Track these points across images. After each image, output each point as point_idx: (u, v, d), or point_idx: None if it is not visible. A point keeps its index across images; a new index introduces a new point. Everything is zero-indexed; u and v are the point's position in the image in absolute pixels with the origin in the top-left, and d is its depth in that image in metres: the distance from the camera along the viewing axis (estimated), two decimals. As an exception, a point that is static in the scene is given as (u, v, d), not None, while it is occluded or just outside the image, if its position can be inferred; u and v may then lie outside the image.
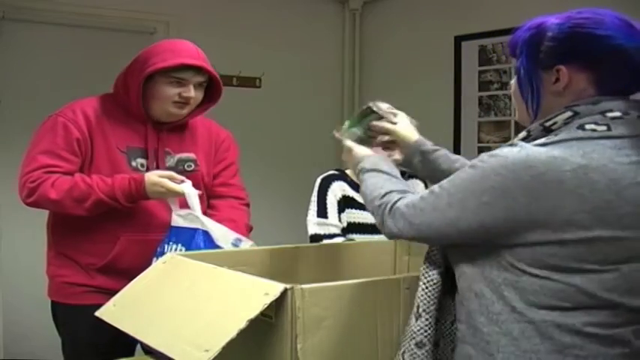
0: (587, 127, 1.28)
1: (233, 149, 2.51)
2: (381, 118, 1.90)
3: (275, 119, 4.66)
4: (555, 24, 1.36)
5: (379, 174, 1.56)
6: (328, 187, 2.60)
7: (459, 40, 4.38)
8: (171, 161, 2.31)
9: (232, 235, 2.13)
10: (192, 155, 2.35)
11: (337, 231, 2.56)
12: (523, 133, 1.36)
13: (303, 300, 1.34)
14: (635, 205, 1.24)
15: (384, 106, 1.97)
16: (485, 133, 4.24)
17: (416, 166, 1.87)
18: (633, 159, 1.26)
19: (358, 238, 2.57)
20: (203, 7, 4.37)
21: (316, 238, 2.56)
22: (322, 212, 2.58)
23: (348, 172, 2.65)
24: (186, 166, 2.33)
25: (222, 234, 2.11)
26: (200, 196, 2.15)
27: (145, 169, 2.24)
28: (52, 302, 2.32)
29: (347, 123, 1.93)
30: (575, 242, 1.24)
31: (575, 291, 1.26)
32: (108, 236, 2.20)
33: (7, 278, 3.82)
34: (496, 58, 4.18)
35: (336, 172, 2.66)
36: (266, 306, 1.31)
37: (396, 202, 1.42)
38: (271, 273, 1.60)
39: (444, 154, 1.85)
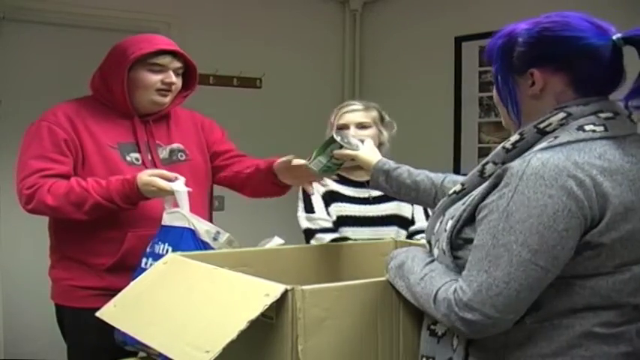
0: (587, 128, 1.28)
1: (218, 127, 2.54)
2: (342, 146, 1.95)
3: (275, 119, 4.66)
4: (524, 29, 1.38)
5: (407, 271, 1.45)
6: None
7: (459, 41, 4.38)
8: (164, 153, 2.32)
9: (213, 229, 2.13)
10: (180, 145, 2.37)
11: (328, 225, 2.59)
12: (516, 137, 1.35)
13: (304, 301, 1.33)
14: None
15: (350, 137, 2.03)
16: (486, 134, 4.24)
17: (383, 186, 1.91)
18: (637, 158, 1.28)
19: (349, 230, 2.60)
20: (204, 7, 4.37)
21: (309, 232, 2.60)
22: (309, 208, 2.62)
23: None
24: (179, 156, 2.35)
25: (205, 230, 2.10)
26: (190, 193, 2.13)
27: (140, 162, 2.25)
28: (57, 306, 2.32)
29: (314, 152, 1.98)
30: (606, 247, 1.24)
31: (590, 293, 1.26)
32: (115, 234, 2.20)
33: (7, 279, 3.81)
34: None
35: None
36: (266, 307, 1.31)
37: (461, 297, 1.25)
38: (272, 274, 1.60)
39: (406, 170, 1.91)
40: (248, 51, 4.50)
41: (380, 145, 2.63)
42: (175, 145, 2.36)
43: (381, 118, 2.64)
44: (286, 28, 4.70)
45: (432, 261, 1.41)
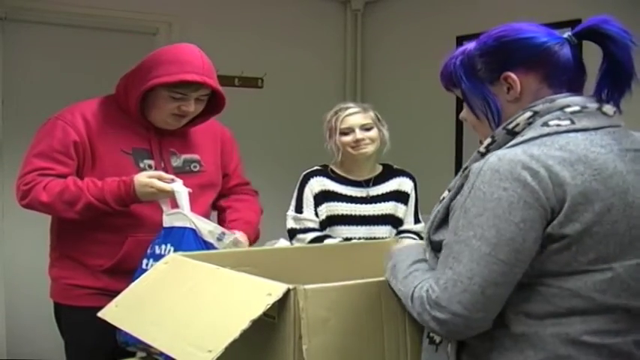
0: (551, 123, 1.29)
1: (237, 147, 2.53)
2: None
3: (277, 119, 4.66)
4: (478, 44, 1.40)
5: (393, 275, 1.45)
6: (306, 182, 2.69)
7: (460, 40, 4.37)
8: (177, 162, 2.31)
9: (218, 230, 2.13)
10: (196, 156, 2.35)
11: (312, 225, 2.64)
12: (488, 140, 1.36)
13: (307, 300, 1.33)
14: (621, 195, 1.23)
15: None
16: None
17: None
18: (607, 149, 1.26)
19: (340, 229, 2.65)
20: (205, 7, 4.37)
21: (292, 232, 2.66)
22: (299, 207, 2.68)
23: (332, 166, 2.71)
24: (192, 167, 2.33)
25: (209, 230, 2.10)
26: (190, 194, 2.13)
27: (153, 170, 2.22)
28: (55, 304, 2.32)
29: None
30: (571, 239, 1.21)
31: (570, 295, 1.23)
32: (115, 237, 2.19)
33: (10, 279, 3.82)
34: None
35: (318, 168, 2.74)
36: (269, 306, 1.31)
37: (430, 295, 1.26)
38: (273, 273, 1.60)
39: None
40: (249, 51, 4.51)
41: (382, 145, 2.65)
42: (190, 156, 2.34)
43: (378, 118, 2.67)
44: (288, 27, 4.70)
45: (419, 260, 1.42)
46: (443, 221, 1.35)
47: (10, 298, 3.83)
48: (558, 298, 1.24)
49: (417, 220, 2.75)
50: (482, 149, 1.36)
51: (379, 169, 2.75)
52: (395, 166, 2.80)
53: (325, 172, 2.70)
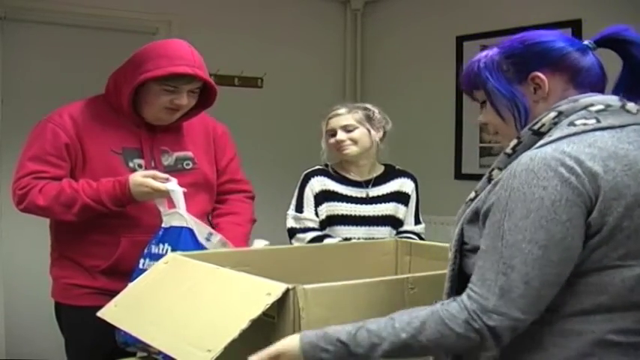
0: (578, 122, 1.29)
1: (232, 143, 2.51)
2: None
3: (277, 119, 4.66)
4: (501, 48, 1.41)
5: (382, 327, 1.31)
6: (307, 182, 2.68)
7: (460, 41, 4.38)
8: (169, 160, 2.30)
9: (205, 230, 2.14)
10: (189, 153, 2.34)
11: (312, 225, 2.63)
12: (514, 141, 1.35)
13: (306, 300, 1.33)
14: None
15: None
16: (487, 133, 4.22)
17: None
18: (635, 145, 1.27)
19: (340, 229, 2.63)
20: (205, 7, 4.37)
21: (291, 231, 2.65)
22: (299, 207, 2.66)
23: (334, 165, 2.71)
24: (184, 165, 2.32)
25: (200, 230, 2.11)
26: (185, 194, 2.12)
27: (142, 169, 2.21)
28: (56, 303, 2.32)
29: None
30: (604, 234, 1.22)
31: (597, 291, 1.24)
32: (111, 238, 2.19)
33: (8, 278, 3.82)
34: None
35: (319, 167, 2.73)
36: (268, 306, 1.31)
37: (482, 304, 1.22)
38: (273, 273, 1.59)
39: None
40: (249, 50, 4.50)
41: (371, 145, 2.64)
42: (183, 154, 2.33)
43: (368, 118, 2.65)
44: (287, 27, 4.70)
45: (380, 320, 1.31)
46: (471, 222, 1.35)
47: (9, 298, 3.83)
48: (586, 295, 1.24)
49: (417, 221, 2.74)
50: (508, 150, 1.35)
51: (381, 169, 2.75)
52: (397, 167, 2.79)
53: (326, 171, 2.70)
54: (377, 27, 4.95)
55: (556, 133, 1.29)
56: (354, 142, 2.62)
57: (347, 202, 2.65)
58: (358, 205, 2.65)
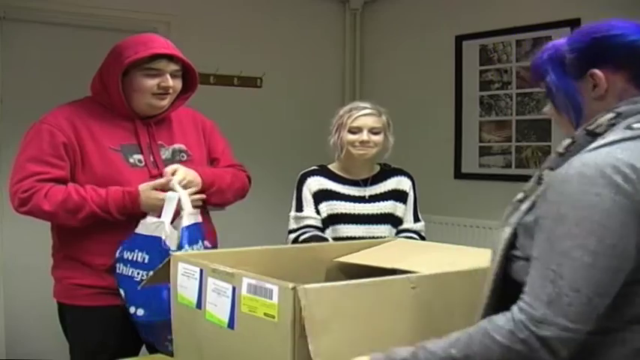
0: (635, 126, 1.26)
1: (220, 133, 2.55)
2: None
3: (276, 119, 4.66)
4: (569, 40, 1.38)
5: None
6: (304, 182, 2.69)
7: (459, 40, 4.39)
8: (166, 153, 2.32)
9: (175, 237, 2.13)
10: (183, 146, 2.37)
11: (313, 222, 2.64)
12: (568, 141, 1.33)
13: (308, 300, 1.33)
14: None
15: None
16: (487, 133, 4.23)
17: None
18: None
19: (340, 228, 2.65)
20: (204, 7, 4.37)
21: (292, 232, 2.66)
22: (299, 207, 2.68)
23: (330, 166, 2.72)
24: (180, 157, 2.34)
25: (172, 241, 2.10)
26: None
27: (143, 164, 2.25)
28: (60, 304, 2.31)
29: None
30: None
31: None
32: (117, 235, 2.18)
33: (9, 278, 3.81)
34: (497, 58, 4.18)
35: (315, 168, 2.75)
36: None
37: (532, 315, 1.18)
38: (274, 273, 1.59)
39: None
40: (248, 50, 4.50)
41: (383, 151, 2.66)
42: (178, 146, 2.36)
43: (388, 124, 2.68)
44: (286, 27, 4.70)
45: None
46: (521, 226, 1.31)
47: (10, 297, 3.82)
48: (635, 305, 1.22)
49: (416, 219, 2.75)
50: (560, 150, 1.33)
51: (376, 168, 2.76)
52: (392, 166, 2.80)
53: (322, 171, 2.71)
54: (376, 26, 4.95)
55: (611, 136, 1.26)
56: (376, 145, 2.63)
57: (346, 200, 2.66)
58: (357, 204, 2.66)
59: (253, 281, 1.44)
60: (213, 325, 1.55)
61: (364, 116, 2.64)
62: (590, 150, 1.25)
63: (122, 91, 2.21)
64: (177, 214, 2.15)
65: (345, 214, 2.64)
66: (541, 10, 3.84)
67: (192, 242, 2.10)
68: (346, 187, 2.69)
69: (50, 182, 2.16)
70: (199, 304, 1.61)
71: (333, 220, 2.64)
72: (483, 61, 4.25)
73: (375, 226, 2.66)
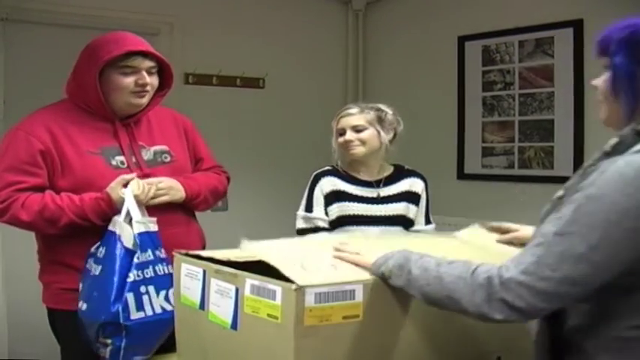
0: None
1: (199, 133, 2.55)
2: None
3: (278, 120, 4.65)
4: None
5: (426, 261, 1.39)
6: (317, 182, 2.69)
7: (462, 41, 4.38)
8: (148, 154, 2.31)
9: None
10: (165, 147, 2.36)
11: (322, 224, 2.64)
12: (615, 140, 1.31)
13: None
14: None
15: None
16: (489, 133, 4.23)
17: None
18: None
19: (351, 229, 2.63)
20: (206, 8, 4.37)
21: (301, 232, 2.65)
22: (309, 207, 2.67)
23: (342, 166, 2.71)
24: (163, 158, 2.34)
25: (126, 236, 2.10)
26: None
27: (125, 165, 2.23)
28: (49, 309, 2.30)
29: None
30: None
31: None
32: (99, 236, 2.15)
33: (11, 279, 3.82)
34: (499, 58, 4.17)
35: (329, 168, 2.74)
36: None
37: (502, 273, 1.24)
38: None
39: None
40: (251, 51, 4.50)
41: (380, 146, 2.65)
42: (159, 147, 2.35)
43: (379, 119, 2.66)
44: (289, 28, 4.70)
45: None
46: None
47: (12, 298, 3.83)
48: None
49: (427, 221, 2.75)
50: (607, 148, 1.30)
51: (390, 169, 2.76)
52: (406, 167, 2.80)
53: (336, 172, 2.70)
54: (378, 27, 4.95)
55: None
56: (363, 142, 2.63)
57: (358, 202, 2.65)
58: (370, 205, 2.66)
59: (256, 282, 1.44)
60: (217, 326, 1.55)
61: (345, 117, 2.66)
62: (636, 152, 1.24)
63: (100, 94, 2.19)
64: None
65: (357, 216, 2.64)
66: (544, 10, 3.84)
67: (143, 250, 2.08)
68: (359, 187, 2.68)
69: (27, 191, 2.14)
70: (202, 305, 1.61)
71: (344, 221, 2.63)
72: (486, 62, 4.25)
73: (387, 228, 2.64)
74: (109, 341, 2.03)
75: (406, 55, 4.74)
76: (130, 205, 2.11)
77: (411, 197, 2.71)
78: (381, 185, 2.71)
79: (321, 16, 4.90)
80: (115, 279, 2.02)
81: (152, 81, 2.27)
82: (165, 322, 2.00)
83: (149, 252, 2.09)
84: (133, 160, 2.26)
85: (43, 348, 3.53)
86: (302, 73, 4.73)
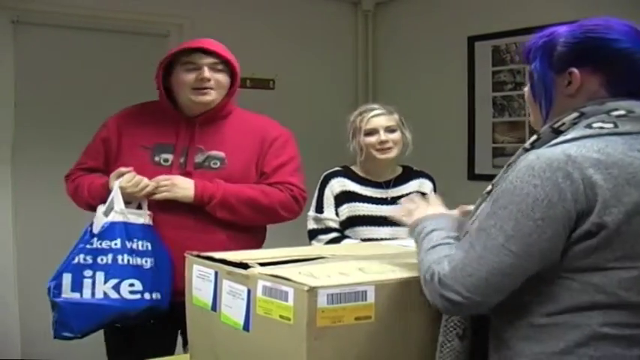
0: (595, 125, 1.31)
1: (289, 148, 2.53)
2: None
3: (288, 121, 4.61)
4: (567, 31, 1.41)
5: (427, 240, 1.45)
6: (327, 183, 2.71)
7: (472, 41, 4.37)
8: (200, 158, 2.36)
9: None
10: (221, 154, 2.37)
11: (333, 225, 2.65)
12: (534, 137, 1.39)
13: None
14: None
15: None
16: (500, 134, 4.22)
17: None
18: None
19: (362, 230, 2.66)
20: (216, 9, 4.37)
21: (312, 233, 2.68)
22: (319, 208, 2.69)
23: (352, 167, 2.72)
24: (212, 164, 2.36)
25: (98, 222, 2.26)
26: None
27: (168, 163, 2.31)
28: None
29: None
30: (601, 237, 1.25)
31: (594, 290, 1.27)
32: None
33: (24, 279, 3.83)
34: (509, 59, 4.17)
35: (339, 169, 2.76)
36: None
37: (440, 270, 1.32)
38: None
39: None
40: (261, 52, 4.50)
41: (404, 147, 2.66)
42: (215, 152, 2.37)
43: (402, 121, 2.68)
44: (299, 28, 4.70)
45: (451, 237, 1.43)
46: None
47: (25, 298, 3.84)
48: (583, 293, 1.28)
49: None
50: (527, 145, 1.39)
51: (399, 170, 2.76)
52: (415, 168, 2.80)
53: (346, 172, 2.71)
54: (388, 28, 4.94)
55: (571, 134, 1.32)
56: (395, 143, 2.63)
57: (369, 202, 2.66)
58: (380, 206, 2.66)
59: (269, 283, 1.44)
60: (229, 327, 1.55)
61: (376, 117, 2.65)
62: (549, 145, 1.32)
63: (169, 89, 2.33)
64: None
65: (367, 216, 2.64)
66: (553, 10, 3.82)
67: (106, 237, 2.20)
68: (368, 188, 2.69)
69: (85, 171, 2.40)
70: (214, 307, 1.61)
71: (354, 221, 2.64)
72: (496, 62, 4.24)
73: (398, 228, 2.64)
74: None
75: (416, 55, 4.73)
76: (114, 195, 2.22)
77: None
78: (391, 186, 2.71)
79: (331, 17, 4.90)
80: (65, 258, 2.22)
81: (215, 76, 2.34)
82: (104, 309, 2.15)
83: (117, 241, 2.20)
84: (182, 160, 2.32)
85: (55, 349, 3.55)
86: (312, 73, 4.73)
